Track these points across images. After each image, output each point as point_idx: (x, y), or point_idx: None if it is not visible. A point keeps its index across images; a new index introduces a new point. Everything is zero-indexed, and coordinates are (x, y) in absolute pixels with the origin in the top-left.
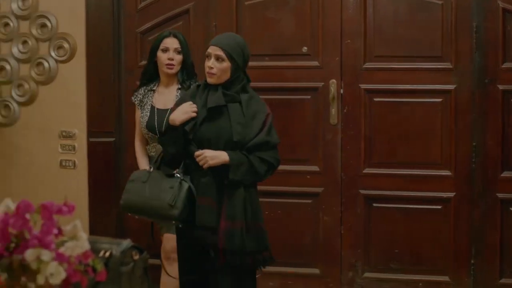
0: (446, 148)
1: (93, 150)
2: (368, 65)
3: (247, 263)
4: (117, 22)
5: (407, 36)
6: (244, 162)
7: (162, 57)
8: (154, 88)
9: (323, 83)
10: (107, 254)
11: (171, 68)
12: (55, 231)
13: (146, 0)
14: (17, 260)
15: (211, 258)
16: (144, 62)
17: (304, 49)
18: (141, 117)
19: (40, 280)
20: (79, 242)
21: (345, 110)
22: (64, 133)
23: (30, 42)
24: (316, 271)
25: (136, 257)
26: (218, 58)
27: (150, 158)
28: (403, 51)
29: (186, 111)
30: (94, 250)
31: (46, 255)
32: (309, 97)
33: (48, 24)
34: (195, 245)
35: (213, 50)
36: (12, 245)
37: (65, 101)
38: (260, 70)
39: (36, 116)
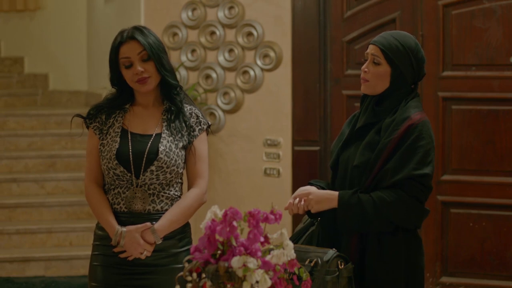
0: None
1: (297, 159)
2: None
3: None
4: (323, 31)
5: None
6: None
7: (127, 75)
8: (126, 107)
9: None
10: (312, 262)
11: (145, 83)
12: (262, 239)
13: (352, 9)
14: (223, 267)
15: None
16: (350, 71)
17: None
18: (102, 145)
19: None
20: (285, 251)
21: None
22: (269, 141)
23: (236, 51)
24: None
25: (341, 266)
26: (374, 60)
27: (116, 216)
28: None
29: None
30: (300, 258)
31: (252, 262)
32: None
33: (254, 32)
34: None
35: (370, 49)
36: (219, 252)
37: (270, 109)
38: (467, 80)
39: (241, 124)
